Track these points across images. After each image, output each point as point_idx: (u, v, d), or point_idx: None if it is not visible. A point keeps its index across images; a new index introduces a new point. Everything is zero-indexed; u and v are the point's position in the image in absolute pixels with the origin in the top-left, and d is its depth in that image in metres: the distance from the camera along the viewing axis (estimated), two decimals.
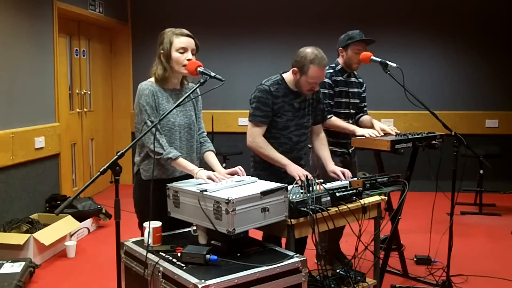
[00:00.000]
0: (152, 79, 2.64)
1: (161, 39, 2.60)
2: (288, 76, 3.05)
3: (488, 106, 6.48)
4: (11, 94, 4.46)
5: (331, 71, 3.60)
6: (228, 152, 5.85)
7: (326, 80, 3.51)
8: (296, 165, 2.93)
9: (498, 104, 6.46)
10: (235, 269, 2.07)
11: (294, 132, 3.06)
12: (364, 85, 3.83)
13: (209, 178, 2.43)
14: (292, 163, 2.94)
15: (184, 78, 2.72)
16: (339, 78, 3.62)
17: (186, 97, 2.41)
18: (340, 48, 3.62)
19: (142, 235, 2.63)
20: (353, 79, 3.72)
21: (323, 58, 2.94)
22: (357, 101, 3.74)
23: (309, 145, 3.50)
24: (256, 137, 2.98)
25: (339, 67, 3.65)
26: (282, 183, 2.41)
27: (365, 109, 3.85)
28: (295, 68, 2.97)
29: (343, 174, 3.02)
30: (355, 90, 3.72)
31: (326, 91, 3.50)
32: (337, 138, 3.62)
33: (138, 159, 2.66)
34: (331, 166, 3.11)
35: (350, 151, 3.70)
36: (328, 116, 3.47)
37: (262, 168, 3.04)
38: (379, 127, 3.49)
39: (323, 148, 3.23)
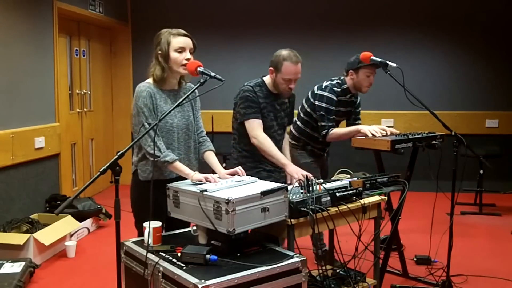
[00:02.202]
0: (150, 80, 2.64)
1: (158, 40, 2.60)
2: (267, 78, 3.19)
3: (488, 106, 6.48)
4: (11, 94, 4.46)
5: (338, 90, 3.60)
6: (228, 152, 5.81)
7: (334, 97, 3.56)
8: (295, 166, 2.95)
9: (498, 104, 6.46)
10: (235, 269, 2.07)
11: (277, 132, 3.20)
12: (359, 101, 3.83)
13: (206, 179, 2.44)
14: (291, 164, 2.97)
15: (182, 78, 2.72)
16: (343, 98, 3.65)
17: (185, 97, 2.41)
18: (351, 70, 3.59)
19: (139, 234, 2.64)
20: (353, 99, 3.74)
21: (296, 55, 3.07)
22: (343, 119, 3.80)
23: None
24: (257, 131, 3.06)
25: (345, 86, 3.63)
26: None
27: (358, 121, 3.83)
28: (271, 68, 3.12)
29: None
30: (349, 109, 3.75)
31: (331, 107, 3.54)
32: (316, 143, 3.73)
33: (136, 159, 2.66)
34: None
35: (325, 154, 3.88)
36: (331, 131, 3.47)
37: (245, 169, 3.02)
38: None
39: (286, 148, 3.39)
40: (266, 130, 3.12)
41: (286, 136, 3.40)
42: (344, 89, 3.63)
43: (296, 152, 3.75)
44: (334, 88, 3.59)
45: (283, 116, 3.26)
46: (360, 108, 3.85)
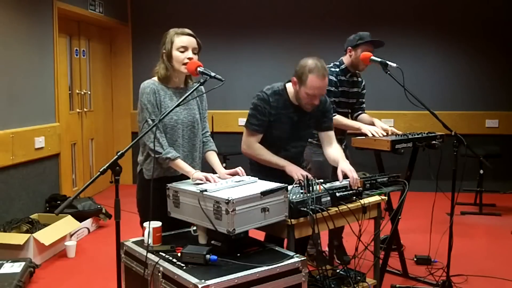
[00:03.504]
0: (155, 78, 2.66)
1: (164, 39, 2.62)
2: (290, 87, 2.95)
3: (488, 106, 6.47)
4: (11, 94, 4.46)
5: (337, 69, 3.62)
6: (228, 152, 5.85)
7: (333, 78, 3.55)
8: (295, 166, 2.92)
9: (498, 104, 6.46)
10: (235, 269, 2.07)
11: (291, 144, 3.03)
12: (363, 83, 3.85)
13: (206, 179, 2.45)
14: (290, 164, 2.92)
15: (189, 78, 2.72)
16: (343, 78, 3.64)
17: (186, 96, 2.41)
18: (349, 47, 3.60)
19: (143, 234, 2.64)
20: (354, 79, 3.74)
21: (324, 68, 2.80)
22: (354, 100, 3.78)
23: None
24: (250, 145, 2.95)
25: (343, 66, 3.66)
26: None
27: (363, 106, 3.86)
28: (294, 78, 2.86)
29: (353, 178, 2.78)
30: (355, 90, 3.75)
31: (332, 88, 3.53)
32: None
33: (141, 159, 2.67)
34: (342, 163, 2.91)
35: (343, 146, 3.76)
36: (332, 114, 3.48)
37: (258, 170, 3.02)
38: (380, 126, 3.49)
39: (337, 157, 3.01)
40: (276, 141, 2.96)
41: (335, 146, 3.08)
42: (343, 69, 3.64)
43: (309, 149, 3.63)
44: (331, 69, 3.59)
45: (304, 127, 3.02)
46: (364, 91, 3.85)
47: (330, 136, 3.10)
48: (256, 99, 2.95)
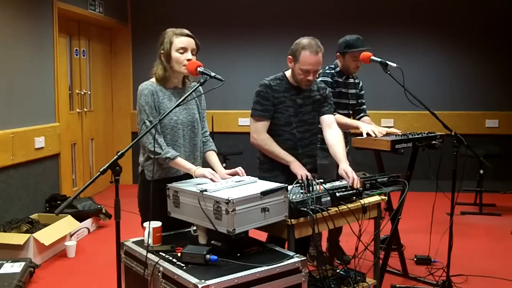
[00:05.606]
0: (153, 79, 2.65)
1: (162, 39, 2.61)
2: (289, 72, 3.06)
3: (488, 106, 6.48)
4: (11, 94, 4.46)
5: (332, 71, 3.64)
6: (228, 152, 5.84)
7: (329, 79, 3.55)
8: (301, 165, 2.92)
9: (498, 104, 6.46)
10: (235, 269, 2.07)
11: (297, 129, 3.03)
12: (361, 84, 3.85)
13: (207, 175, 2.44)
14: (296, 161, 2.92)
15: (186, 78, 2.73)
16: (339, 79, 3.65)
17: (186, 96, 2.41)
18: (338, 53, 3.64)
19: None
20: (351, 80, 3.76)
21: (317, 45, 2.91)
22: (354, 102, 3.78)
23: None
24: (260, 134, 2.97)
25: (338, 69, 3.68)
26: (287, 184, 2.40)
27: (363, 107, 3.85)
28: (290, 56, 2.98)
29: (353, 179, 2.77)
30: (353, 91, 3.76)
31: (329, 89, 3.53)
32: None
33: (142, 160, 2.67)
34: (343, 164, 2.90)
35: (346, 150, 3.72)
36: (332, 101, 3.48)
37: (266, 169, 3.03)
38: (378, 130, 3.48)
39: (336, 145, 3.01)
40: (283, 127, 2.99)
41: (335, 130, 3.06)
42: (338, 71, 3.66)
43: None
44: (327, 71, 3.62)
45: (307, 112, 3.04)
46: (363, 92, 3.86)
47: (330, 119, 3.11)
48: (258, 87, 3.01)
